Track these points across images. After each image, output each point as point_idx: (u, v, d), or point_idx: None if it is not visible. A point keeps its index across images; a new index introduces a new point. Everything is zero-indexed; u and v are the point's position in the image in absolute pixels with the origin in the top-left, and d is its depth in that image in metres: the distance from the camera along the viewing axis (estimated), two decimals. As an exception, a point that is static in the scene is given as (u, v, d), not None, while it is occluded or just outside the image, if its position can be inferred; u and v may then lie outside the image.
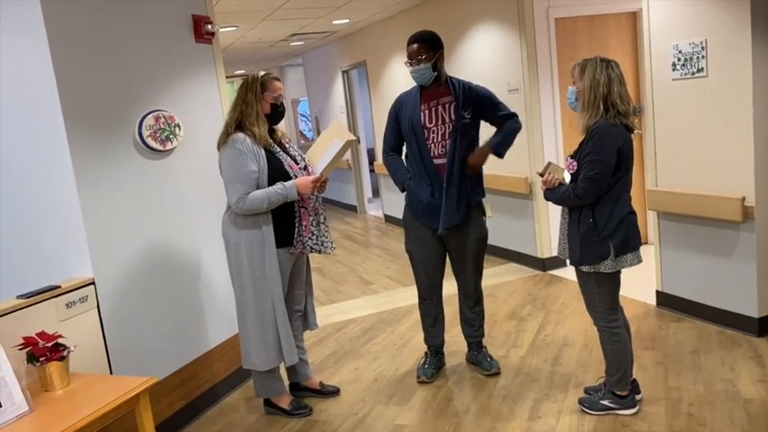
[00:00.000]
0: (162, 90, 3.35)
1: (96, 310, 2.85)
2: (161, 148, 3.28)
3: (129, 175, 3.13)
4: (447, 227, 3.32)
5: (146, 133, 3.19)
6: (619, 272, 2.86)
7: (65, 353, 2.43)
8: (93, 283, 2.85)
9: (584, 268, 2.84)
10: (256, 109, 3.06)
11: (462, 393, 3.42)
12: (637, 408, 2.99)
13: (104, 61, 3.02)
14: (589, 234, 2.78)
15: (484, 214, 3.51)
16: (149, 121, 3.21)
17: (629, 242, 2.80)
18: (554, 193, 2.89)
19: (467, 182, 3.34)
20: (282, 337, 3.15)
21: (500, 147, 3.37)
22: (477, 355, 3.66)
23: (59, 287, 2.68)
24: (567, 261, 2.99)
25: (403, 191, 3.46)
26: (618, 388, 2.98)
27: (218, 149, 3.11)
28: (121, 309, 3.02)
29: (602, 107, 2.72)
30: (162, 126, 3.27)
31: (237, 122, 3.06)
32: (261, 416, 3.40)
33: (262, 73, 3.13)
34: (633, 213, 2.85)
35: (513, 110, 3.47)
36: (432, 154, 3.32)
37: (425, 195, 3.34)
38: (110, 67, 3.05)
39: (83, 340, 2.70)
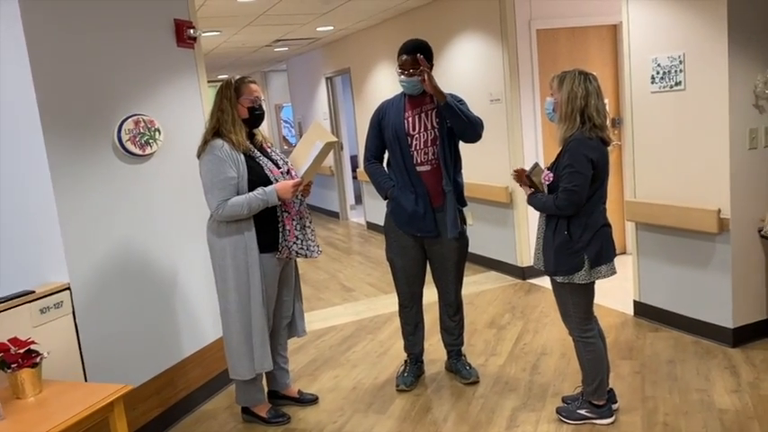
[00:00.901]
0: (142, 94, 3.32)
1: (71, 315, 2.81)
2: (140, 152, 3.25)
3: (108, 180, 3.10)
4: (453, 233, 3.32)
5: (125, 137, 3.16)
6: (593, 283, 2.89)
7: (38, 359, 2.38)
8: (68, 289, 2.80)
9: (559, 279, 2.87)
10: (232, 115, 3.04)
11: (441, 402, 3.42)
12: (613, 417, 3.02)
13: (84, 64, 3.00)
14: (564, 245, 2.81)
15: (465, 223, 3.52)
16: (129, 125, 3.18)
17: (603, 254, 2.83)
18: (536, 201, 2.91)
19: (455, 189, 3.36)
20: (256, 344, 3.13)
21: (453, 102, 3.21)
22: (457, 364, 3.66)
23: (34, 292, 2.64)
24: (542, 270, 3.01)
25: (386, 199, 3.46)
26: (594, 397, 3.00)
27: (198, 157, 3.09)
28: (97, 315, 2.98)
29: (578, 120, 2.75)
30: (142, 130, 3.25)
31: (215, 131, 3.03)
32: (238, 423, 3.38)
33: (236, 77, 3.10)
34: (608, 225, 2.89)
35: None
36: (415, 161, 3.32)
37: (409, 203, 3.34)
38: (89, 70, 3.03)
39: (57, 347, 2.66)
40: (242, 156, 3.04)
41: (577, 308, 2.91)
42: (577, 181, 2.73)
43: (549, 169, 2.88)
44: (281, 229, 3.13)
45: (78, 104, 2.96)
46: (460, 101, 3.33)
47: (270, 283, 3.14)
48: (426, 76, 3.16)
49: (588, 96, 2.73)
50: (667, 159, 3.92)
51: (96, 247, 3.02)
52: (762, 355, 3.57)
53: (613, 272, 2.88)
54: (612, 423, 2.99)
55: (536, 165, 3.02)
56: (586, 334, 2.94)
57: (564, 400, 3.23)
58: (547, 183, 2.85)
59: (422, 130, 3.32)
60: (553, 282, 2.95)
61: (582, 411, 3.03)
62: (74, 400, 2.30)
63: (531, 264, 3.08)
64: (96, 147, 3.05)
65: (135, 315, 3.21)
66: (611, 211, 5.71)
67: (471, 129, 3.28)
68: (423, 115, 3.33)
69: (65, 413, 2.20)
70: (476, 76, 5.74)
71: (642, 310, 4.29)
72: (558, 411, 3.11)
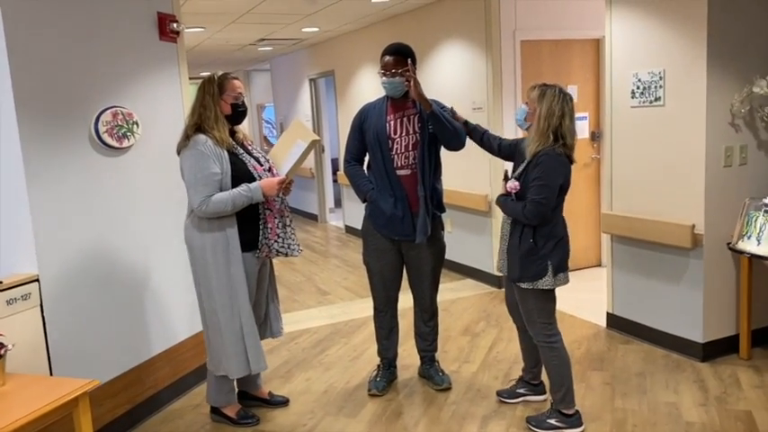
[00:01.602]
0: (121, 86, 3.28)
1: (39, 308, 2.75)
2: (117, 145, 3.20)
3: (83, 172, 3.05)
4: (421, 239, 3.31)
5: (102, 129, 3.11)
6: (554, 289, 2.98)
7: (2, 351, 2.33)
8: (37, 280, 2.75)
9: (524, 285, 2.94)
10: (215, 112, 3.00)
11: (412, 407, 3.41)
12: (583, 427, 3.03)
13: (62, 53, 2.95)
14: (529, 253, 2.90)
15: (443, 229, 3.53)
16: (107, 116, 3.14)
17: (563, 262, 2.95)
18: (507, 204, 2.98)
19: (433, 195, 3.36)
20: (249, 344, 3.09)
21: (439, 111, 3.21)
22: (429, 370, 3.66)
23: (1, 282, 2.58)
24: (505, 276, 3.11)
25: (365, 201, 3.45)
26: (563, 406, 3.02)
27: (179, 154, 3.05)
28: (66, 308, 2.93)
29: (551, 137, 2.84)
30: (119, 123, 3.20)
31: (196, 126, 2.99)
32: (206, 424, 3.33)
33: (219, 73, 3.07)
34: (567, 235, 3.00)
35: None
36: (395, 165, 3.32)
37: (388, 207, 3.34)
38: (68, 59, 2.98)
39: (23, 339, 2.60)
40: (225, 152, 3.01)
41: (541, 313, 2.99)
42: (546, 194, 2.83)
43: (516, 179, 2.96)
44: (261, 227, 3.10)
45: (55, 94, 2.91)
46: (444, 107, 3.34)
47: (250, 282, 3.11)
48: (413, 83, 3.16)
49: (564, 116, 2.85)
50: (645, 173, 3.97)
51: (68, 239, 2.96)
52: (729, 370, 3.62)
53: (568, 280, 3.00)
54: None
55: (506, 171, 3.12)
56: (551, 339, 3.00)
57: (499, 393, 3.37)
58: (514, 191, 2.93)
59: (403, 134, 3.32)
60: (517, 288, 3.01)
61: (551, 421, 3.04)
62: (37, 394, 2.26)
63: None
64: (72, 138, 3.00)
65: (105, 310, 3.16)
66: (588, 224, 5.85)
67: (456, 137, 3.29)
68: (405, 119, 3.33)
69: (27, 407, 2.15)
70: (459, 83, 5.77)
71: (615, 322, 4.33)
72: (528, 420, 3.12)
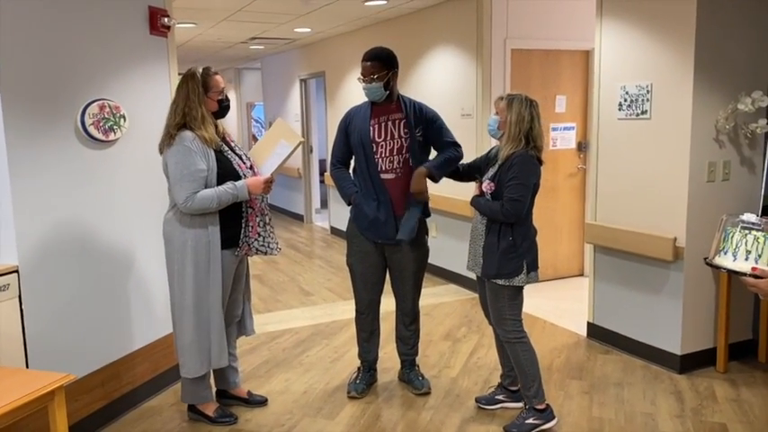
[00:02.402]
0: (109, 79, 3.25)
1: (18, 299, 2.73)
2: (103, 138, 3.18)
3: (68, 164, 3.02)
4: (403, 238, 3.32)
5: (88, 121, 3.09)
6: (523, 287, 3.10)
7: (-23, 342, 2.30)
8: (16, 272, 2.72)
9: (500, 281, 3.04)
10: (201, 112, 2.97)
11: (391, 411, 3.41)
12: (556, 419, 3.15)
13: (50, 43, 2.92)
14: (508, 250, 3.01)
15: (427, 233, 3.54)
16: (93, 109, 3.11)
17: (535, 261, 3.09)
18: (484, 204, 3.07)
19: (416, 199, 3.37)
20: (214, 340, 3.08)
21: (436, 169, 3.34)
22: (410, 374, 3.66)
23: (-21, 273, 2.56)
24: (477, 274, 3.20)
25: (349, 204, 3.45)
26: (536, 401, 3.10)
27: (161, 152, 3.03)
28: (45, 301, 2.90)
29: (523, 140, 3.00)
30: (106, 115, 3.18)
31: (180, 126, 2.96)
32: (183, 422, 3.31)
33: (200, 70, 3.01)
34: (536, 236, 3.14)
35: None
36: (379, 169, 3.33)
37: (371, 210, 3.34)
38: (56, 50, 2.95)
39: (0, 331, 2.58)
40: (211, 150, 3.00)
41: (512, 310, 3.09)
42: (523, 192, 2.98)
43: (490, 180, 3.07)
44: (243, 225, 3.09)
45: (41, 84, 2.88)
46: (440, 164, 3.39)
47: (226, 280, 3.10)
48: (413, 195, 3.32)
49: (533, 120, 3.01)
50: (629, 185, 4.00)
51: (50, 231, 2.93)
52: (706, 382, 3.66)
53: (538, 279, 3.14)
54: (557, 423, 3.11)
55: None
56: (520, 334, 3.10)
57: (477, 399, 3.41)
58: (489, 192, 3.05)
59: (388, 138, 3.33)
60: (491, 285, 3.09)
61: (530, 420, 3.10)
62: (12, 387, 2.23)
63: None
64: (58, 129, 2.97)
65: (85, 304, 3.13)
66: (572, 233, 5.88)
67: (457, 161, 3.44)
68: (389, 123, 3.34)
69: (1, 399, 2.12)
70: (449, 90, 5.79)
71: (595, 331, 4.36)
72: (507, 429, 3.13)
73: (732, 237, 2.06)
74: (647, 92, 3.80)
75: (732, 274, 2.22)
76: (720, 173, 3.71)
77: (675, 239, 3.68)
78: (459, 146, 3.45)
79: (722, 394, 3.51)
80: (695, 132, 3.60)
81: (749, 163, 3.80)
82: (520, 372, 3.12)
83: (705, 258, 3.33)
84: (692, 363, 3.80)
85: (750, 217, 2.08)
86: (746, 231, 2.05)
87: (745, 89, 3.62)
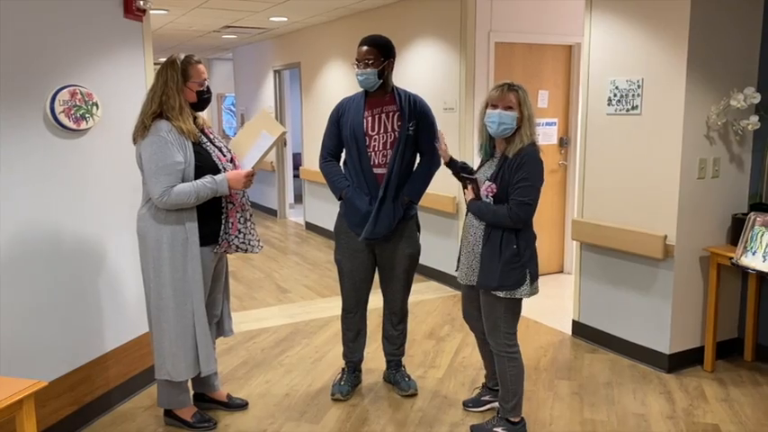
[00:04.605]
0: (82, 64, 3.06)
1: (-20, 300, 2.53)
2: (74, 126, 2.98)
3: (35, 153, 2.82)
4: (369, 237, 3.20)
5: (58, 109, 2.89)
6: (522, 299, 2.89)
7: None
8: (-21, 270, 2.52)
9: (501, 294, 2.80)
10: (179, 102, 2.80)
11: (378, 414, 3.29)
12: None
13: (16, 24, 2.71)
14: (512, 260, 2.76)
15: (419, 230, 3.42)
16: (64, 95, 2.92)
17: (537, 270, 2.85)
18: (484, 210, 2.80)
19: (402, 195, 3.24)
20: (201, 345, 2.92)
21: (416, 196, 3.30)
22: (396, 375, 3.55)
23: (-62, 271, 2.35)
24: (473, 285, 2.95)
25: (340, 199, 3.31)
26: (512, 414, 2.97)
27: (135, 142, 2.84)
28: (8, 301, 2.70)
29: (532, 134, 2.78)
30: (78, 103, 2.98)
31: (156, 115, 2.78)
32: (159, 427, 3.14)
33: (181, 57, 2.84)
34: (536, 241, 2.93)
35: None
36: (372, 163, 3.19)
37: (363, 205, 3.20)
38: (22, 32, 2.75)
39: (-40, 334, 2.38)
40: (189, 141, 2.83)
41: (508, 323, 2.89)
42: (534, 195, 2.74)
43: (489, 180, 2.82)
44: (223, 221, 2.93)
45: (7, 68, 2.68)
46: (420, 179, 3.32)
47: (205, 279, 2.94)
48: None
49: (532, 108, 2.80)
50: (618, 182, 3.94)
51: (13, 224, 2.73)
52: (695, 382, 3.62)
53: (538, 290, 2.89)
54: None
55: (471, 169, 3.00)
56: (512, 349, 2.91)
57: (465, 403, 3.30)
58: (491, 194, 2.79)
59: (381, 131, 3.20)
60: (488, 297, 2.87)
61: (498, 429, 2.98)
62: (-24, 396, 2.04)
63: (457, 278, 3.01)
64: (25, 117, 2.77)
65: (54, 304, 2.93)
66: (553, 230, 5.83)
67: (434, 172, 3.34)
68: (383, 116, 3.21)
69: (-36, 411, 1.94)
70: (431, 83, 5.67)
71: (580, 330, 4.30)
72: (474, 431, 3.04)
73: (761, 236, 1.98)
74: (638, 87, 3.74)
75: (763, 275, 2.12)
76: (711, 170, 3.67)
77: (666, 237, 3.63)
78: (436, 154, 3.28)
79: (712, 394, 3.47)
80: (687, 129, 3.55)
81: (738, 160, 3.77)
82: (502, 383, 2.96)
83: (731, 259, 3.25)
84: (679, 362, 3.77)
85: (781, 217, 2.00)
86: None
87: (737, 85, 3.59)
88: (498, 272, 2.77)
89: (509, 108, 2.76)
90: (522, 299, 2.86)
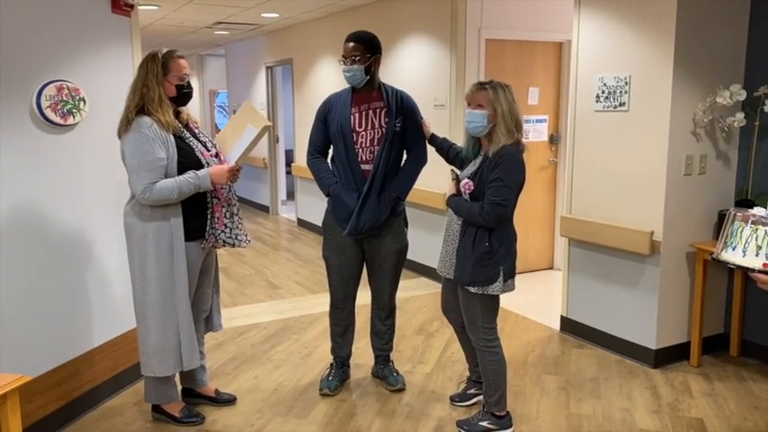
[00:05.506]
0: (69, 59, 3.05)
1: (-35, 295, 2.53)
2: (61, 121, 2.98)
3: (21, 148, 2.82)
4: (353, 232, 3.21)
5: (45, 104, 2.88)
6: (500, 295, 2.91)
7: None
8: (-36, 265, 2.52)
9: (473, 289, 2.83)
10: (159, 93, 2.80)
11: (366, 409, 3.30)
12: (513, 427, 3.02)
13: (2, 18, 2.70)
14: (484, 257, 2.79)
15: (406, 225, 3.43)
16: (51, 90, 2.91)
17: (513, 268, 2.86)
18: (461, 205, 2.84)
19: (388, 191, 3.25)
20: (184, 341, 2.92)
21: (403, 192, 3.30)
22: (384, 370, 3.56)
23: None
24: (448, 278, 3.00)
25: (328, 195, 3.31)
26: (497, 408, 2.99)
27: (119, 137, 2.84)
28: (-4, 296, 2.70)
29: (514, 130, 2.76)
30: (65, 98, 2.98)
31: (138, 108, 2.79)
32: (146, 422, 3.14)
33: (164, 51, 2.85)
34: (516, 240, 2.92)
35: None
36: (359, 159, 3.20)
37: (351, 201, 3.21)
38: (8, 26, 2.74)
39: (-55, 328, 2.38)
40: (172, 136, 2.82)
41: (485, 318, 2.91)
42: (507, 196, 2.74)
43: (469, 177, 2.84)
44: (209, 216, 2.93)
45: (-7, 61, 2.67)
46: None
47: (192, 274, 2.94)
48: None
49: (516, 104, 2.77)
50: (605, 179, 3.96)
51: (1, 222, 2.72)
52: (680, 377, 3.65)
53: (514, 287, 2.92)
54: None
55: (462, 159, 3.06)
56: (491, 343, 2.93)
57: (452, 398, 3.31)
58: (468, 191, 2.81)
59: (368, 127, 3.21)
60: (463, 292, 2.90)
61: (484, 423, 3.00)
62: (-41, 391, 2.04)
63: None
64: (10, 112, 2.76)
65: (38, 299, 2.93)
66: (542, 227, 5.86)
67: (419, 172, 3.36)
68: (370, 112, 3.21)
69: (-53, 405, 1.94)
70: (422, 79, 5.68)
71: (568, 325, 4.33)
72: (460, 425, 3.06)
73: (741, 231, 1.99)
74: (626, 84, 3.76)
75: (741, 270, 2.14)
76: (697, 166, 3.69)
77: (652, 233, 3.65)
78: (424, 151, 3.32)
79: (697, 389, 3.50)
80: (673, 125, 3.57)
81: (724, 157, 3.79)
82: (485, 377, 2.98)
83: (711, 254, 3.26)
84: (665, 357, 3.79)
85: (761, 211, 2.01)
86: (757, 226, 1.98)
87: (723, 83, 3.61)
88: (470, 268, 2.81)
89: (479, 106, 2.80)
90: (498, 295, 2.88)
